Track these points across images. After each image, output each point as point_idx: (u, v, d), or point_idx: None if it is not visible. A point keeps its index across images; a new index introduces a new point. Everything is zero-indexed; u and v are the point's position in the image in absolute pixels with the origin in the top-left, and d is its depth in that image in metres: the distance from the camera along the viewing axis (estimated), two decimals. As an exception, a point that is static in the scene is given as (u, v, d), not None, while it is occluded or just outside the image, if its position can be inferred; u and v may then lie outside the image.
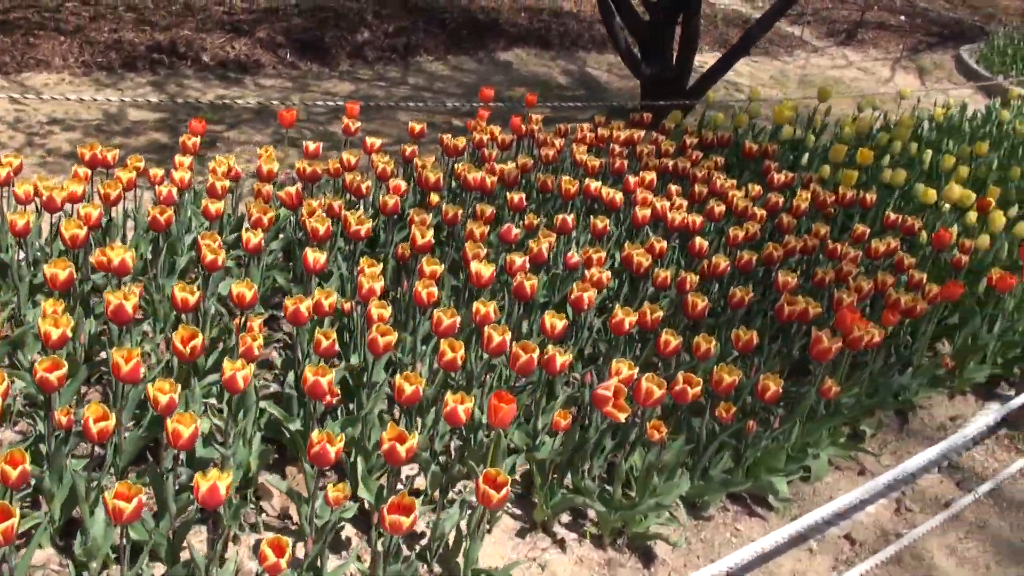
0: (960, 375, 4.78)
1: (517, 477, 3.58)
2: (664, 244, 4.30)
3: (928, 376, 4.54)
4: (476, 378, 3.61)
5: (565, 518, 3.53)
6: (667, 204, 4.63)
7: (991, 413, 4.67)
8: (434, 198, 4.68)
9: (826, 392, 3.71)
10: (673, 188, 4.92)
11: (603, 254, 4.07)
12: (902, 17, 14.67)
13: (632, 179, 4.91)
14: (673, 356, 3.59)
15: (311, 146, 4.85)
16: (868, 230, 4.86)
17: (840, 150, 5.50)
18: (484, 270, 3.69)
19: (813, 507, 3.76)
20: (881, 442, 4.40)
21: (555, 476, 3.45)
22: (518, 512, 3.50)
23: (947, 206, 5.52)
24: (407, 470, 3.46)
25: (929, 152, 6.28)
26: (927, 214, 5.55)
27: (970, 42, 14.76)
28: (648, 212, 4.51)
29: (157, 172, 4.28)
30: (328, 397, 3.38)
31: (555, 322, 3.46)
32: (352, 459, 3.28)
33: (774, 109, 6.01)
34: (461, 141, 5.09)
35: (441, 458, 3.44)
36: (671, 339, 3.50)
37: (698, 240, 4.34)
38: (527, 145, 5.63)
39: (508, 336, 3.28)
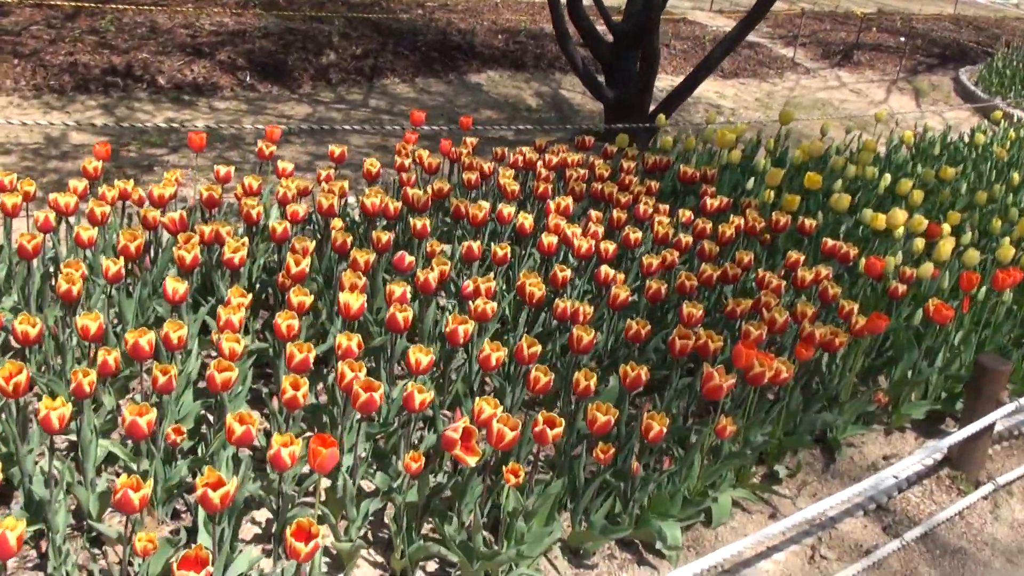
0: (896, 411, 4.50)
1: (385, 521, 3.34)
2: (567, 273, 4.06)
3: (857, 412, 4.27)
4: (342, 417, 3.38)
5: (431, 566, 3.28)
6: (577, 231, 4.39)
7: (923, 452, 4.37)
8: (336, 223, 4.47)
9: (721, 431, 3.45)
10: (593, 214, 4.68)
11: (492, 284, 3.83)
12: (901, 38, 14.37)
13: (552, 204, 4.69)
14: (543, 393, 3.33)
15: (221, 171, 4.67)
16: (801, 258, 4.60)
17: (776, 174, 5.24)
18: (353, 301, 3.47)
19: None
20: (801, 483, 4.12)
21: (417, 522, 3.21)
22: (379, 559, 3.26)
23: (900, 232, 5.25)
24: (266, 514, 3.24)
25: (887, 176, 6.01)
26: (876, 242, 5.27)
27: (972, 63, 14.46)
28: (554, 240, 4.27)
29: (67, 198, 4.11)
30: (174, 437, 3.19)
31: (420, 357, 3.23)
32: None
33: (717, 133, 5.76)
34: (376, 165, 4.90)
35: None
36: (541, 376, 3.25)
37: (604, 269, 4.10)
38: (458, 169, 5.43)
39: (363, 372, 3.06)
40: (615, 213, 4.65)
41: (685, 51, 11.49)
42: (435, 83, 9.19)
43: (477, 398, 3.05)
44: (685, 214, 4.91)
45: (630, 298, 4.01)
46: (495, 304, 3.67)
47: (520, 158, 5.38)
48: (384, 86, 8.95)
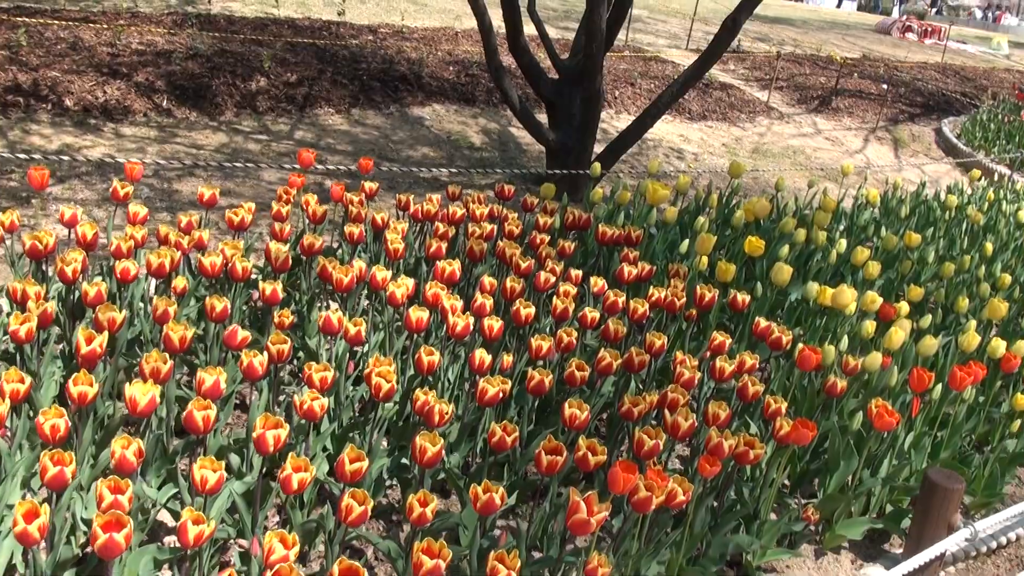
0: (830, 530, 3.79)
1: None
2: (434, 358, 3.36)
3: (781, 532, 3.56)
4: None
5: None
6: (457, 304, 3.69)
7: (863, 583, 3.67)
8: (178, 283, 3.77)
9: (591, 573, 2.74)
10: (486, 282, 3.98)
11: (328, 375, 3.12)
12: (884, 85, 13.78)
13: (443, 266, 4.00)
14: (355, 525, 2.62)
15: (67, 213, 3.99)
16: (727, 342, 3.91)
17: (707, 240, 4.54)
18: (140, 395, 2.76)
19: None
20: (708, 622, 3.40)
21: None
22: None
23: (852, 310, 4.58)
24: None
25: (842, 243, 5.34)
26: (822, 323, 4.60)
27: (956, 115, 13.87)
28: (424, 315, 3.57)
29: None
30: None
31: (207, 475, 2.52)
32: None
33: (649, 187, 5.08)
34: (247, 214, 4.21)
35: None
36: (355, 505, 2.54)
37: (478, 354, 3.40)
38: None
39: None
40: (508, 281, 3.95)
41: (652, 90, 10.86)
42: (372, 115, 8.52)
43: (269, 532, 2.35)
44: (597, 283, 4.23)
45: (503, 392, 3.31)
46: (324, 402, 2.97)
47: (420, 209, 4.70)
48: (316, 116, 8.28)
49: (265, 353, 3.14)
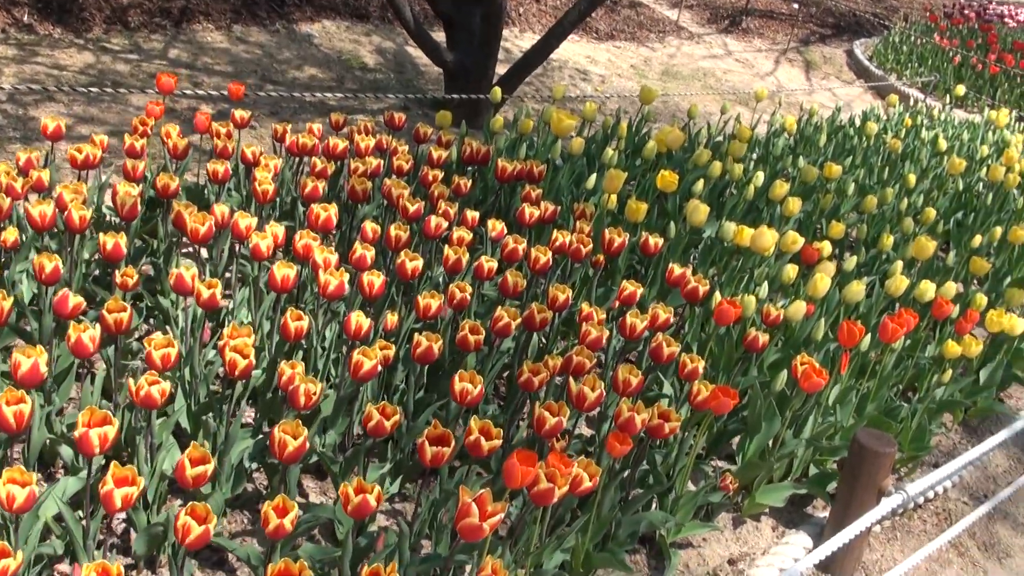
0: (750, 497, 3.46)
1: None
2: (302, 323, 2.88)
3: (697, 505, 3.21)
4: None
5: None
6: (332, 256, 3.21)
7: (786, 550, 3.35)
8: (8, 235, 3.20)
9: (485, 583, 2.33)
10: (369, 229, 3.49)
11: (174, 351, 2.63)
12: (794, 5, 13.43)
13: (318, 211, 3.49)
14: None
15: None
16: (638, 292, 3.51)
17: (616, 177, 4.10)
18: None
19: None
20: (616, 613, 3.05)
21: None
22: None
23: (773, 252, 4.22)
24: None
25: (760, 176, 4.96)
26: (738, 267, 4.23)
27: (867, 36, 13.62)
28: (290, 272, 3.08)
29: None
30: None
31: None
32: None
33: (553, 116, 4.59)
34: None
35: None
36: (193, 526, 2.08)
37: (354, 317, 2.93)
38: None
39: None
40: (393, 229, 3.47)
41: (559, 7, 10.31)
42: (256, 32, 7.83)
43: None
44: (495, 227, 3.77)
45: (385, 361, 2.87)
46: (165, 387, 2.47)
47: (296, 141, 4.17)
48: (193, 33, 7.56)
49: (99, 324, 2.62)
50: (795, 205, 4.55)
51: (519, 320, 3.15)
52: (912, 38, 12.31)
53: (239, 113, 4.36)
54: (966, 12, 14.68)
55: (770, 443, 3.48)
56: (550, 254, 3.52)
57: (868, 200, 5.14)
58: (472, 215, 3.84)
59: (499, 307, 3.14)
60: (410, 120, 6.55)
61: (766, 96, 6.87)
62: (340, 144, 4.22)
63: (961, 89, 8.97)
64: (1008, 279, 5.74)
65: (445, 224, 3.60)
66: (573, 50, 9.49)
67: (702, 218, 4.07)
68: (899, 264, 4.36)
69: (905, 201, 5.43)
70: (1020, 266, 5.84)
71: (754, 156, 6.11)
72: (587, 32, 10.07)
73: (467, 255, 3.41)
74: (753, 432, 3.41)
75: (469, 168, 4.54)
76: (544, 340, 3.67)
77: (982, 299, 4.49)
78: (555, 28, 6.41)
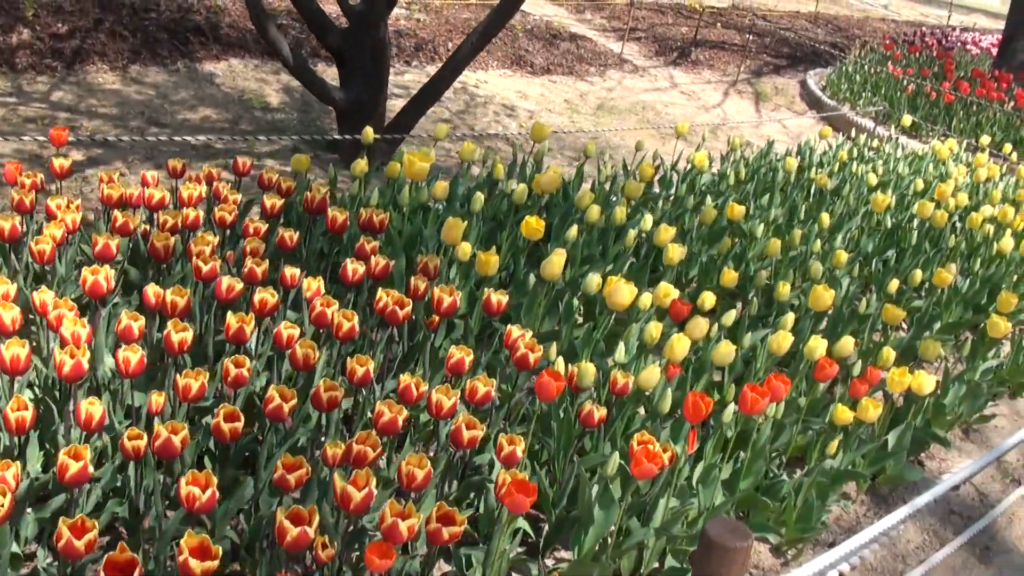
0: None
1: None
2: (24, 415, 2.42)
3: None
4: None
5: None
6: (81, 331, 2.74)
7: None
8: None
9: None
10: (151, 293, 3.03)
11: None
12: (749, 36, 13.07)
13: (86, 275, 3.03)
14: None
15: None
16: (466, 358, 3.04)
17: (454, 227, 3.64)
18: None
19: None
20: None
21: None
22: None
23: (646, 305, 3.77)
24: None
25: (647, 219, 4.51)
26: (602, 324, 3.77)
27: (824, 66, 13.25)
28: (22, 352, 2.61)
29: None
30: None
31: None
32: None
33: (405, 158, 4.14)
34: None
35: None
36: None
37: (84, 405, 2.46)
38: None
39: None
40: (170, 293, 3.01)
41: (491, 44, 9.90)
42: (155, 72, 7.41)
43: None
44: (311, 286, 3.31)
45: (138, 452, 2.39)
46: None
47: (104, 192, 3.72)
48: (85, 74, 7.14)
49: None
50: (676, 252, 4.10)
51: (292, 403, 2.68)
52: (866, 67, 11.93)
53: (59, 162, 3.92)
54: (927, 40, 14.33)
55: (607, 540, 3.01)
56: (356, 319, 3.06)
57: (771, 244, 4.69)
58: (292, 272, 3.39)
59: (272, 387, 2.67)
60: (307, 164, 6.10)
61: (686, 130, 6.45)
62: (157, 195, 3.76)
63: (908, 119, 8.57)
64: (937, 325, 5.30)
65: (237, 286, 3.13)
66: (503, 85, 9.09)
67: (556, 271, 3.60)
68: (789, 318, 3.90)
69: (818, 243, 4.98)
70: (949, 311, 5.39)
71: (667, 197, 5.66)
72: (521, 66, 9.68)
73: (251, 323, 2.94)
74: (586, 523, 2.93)
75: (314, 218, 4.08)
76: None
77: (889, 354, 4.04)
78: (448, 62, 6.00)
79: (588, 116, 8.88)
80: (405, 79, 8.43)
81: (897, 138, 9.01)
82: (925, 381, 3.86)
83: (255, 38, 8.33)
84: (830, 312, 4.68)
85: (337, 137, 5.68)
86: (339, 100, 5.98)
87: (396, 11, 10.12)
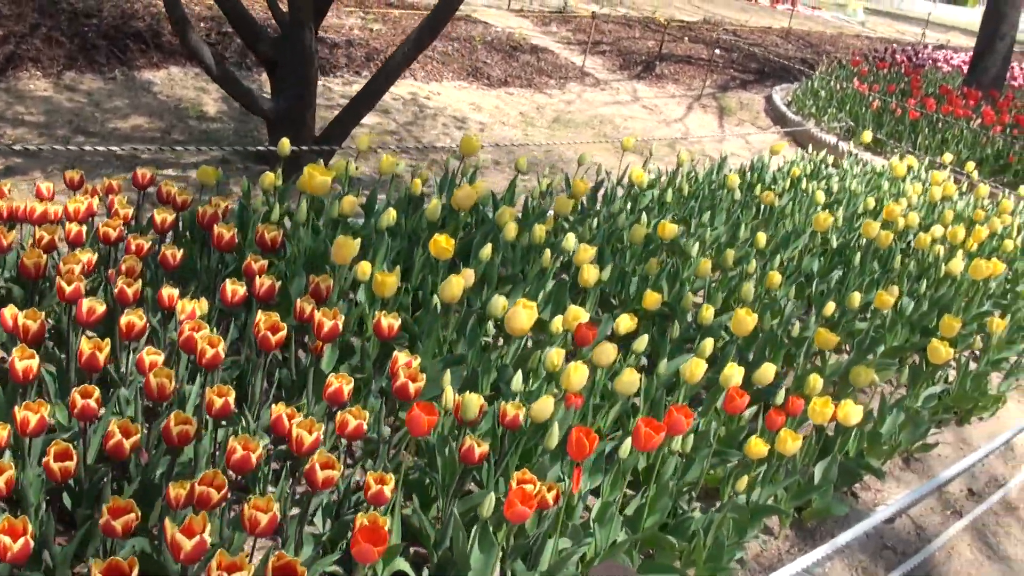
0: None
1: None
2: None
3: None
4: None
5: None
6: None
7: None
8: None
9: None
10: (8, 315, 2.82)
11: None
12: (716, 51, 12.93)
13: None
14: None
15: None
16: (345, 386, 2.83)
17: (344, 245, 3.43)
18: None
19: None
20: None
21: None
22: None
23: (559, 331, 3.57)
24: None
25: (569, 238, 4.31)
26: (509, 351, 3.57)
27: (793, 81, 13.12)
28: None
29: None
30: None
31: None
32: None
33: (307, 171, 3.92)
34: None
35: None
36: None
37: None
38: None
39: None
40: (21, 316, 2.79)
41: (447, 53, 9.73)
42: (91, 79, 7.18)
43: None
44: (185, 308, 3.10)
45: None
46: None
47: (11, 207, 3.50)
48: (17, 81, 6.91)
49: None
50: (591, 273, 3.90)
51: (133, 439, 2.46)
52: (832, 83, 11.80)
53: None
54: (897, 57, 14.23)
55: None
56: (223, 344, 2.84)
57: (702, 264, 4.50)
58: (169, 293, 3.18)
59: (113, 422, 2.45)
60: (233, 174, 5.90)
61: (632, 144, 6.26)
62: (40, 209, 3.55)
63: (868, 135, 8.40)
64: (881, 349, 5.12)
65: (99, 310, 2.92)
66: (457, 96, 8.90)
67: (455, 293, 3.39)
68: (709, 343, 3.71)
69: (753, 263, 4.79)
70: (893, 335, 5.21)
71: (601, 214, 5.47)
72: (478, 78, 9.49)
73: (105, 348, 2.73)
74: (462, 568, 2.72)
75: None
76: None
77: (816, 381, 3.85)
78: (381, 71, 5.80)
79: (543, 129, 8.69)
80: (353, 89, 8.21)
81: (857, 154, 8.86)
82: (851, 411, 3.68)
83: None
84: (764, 335, 4.50)
85: (262, 148, 5.46)
86: (268, 110, 5.77)
87: (351, 20, 9.94)
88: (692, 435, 3.30)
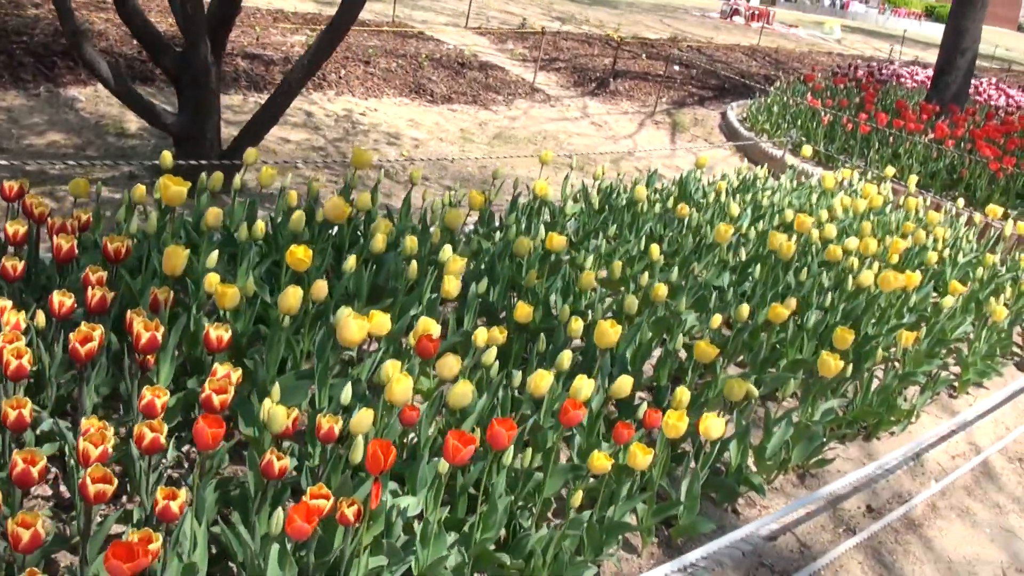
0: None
1: None
2: None
3: None
4: None
5: None
6: None
7: None
8: None
9: None
10: None
11: None
12: (676, 67, 12.92)
13: None
14: None
15: None
16: (158, 399, 2.77)
17: (173, 254, 3.38)
18: None
19: None
20: None
21: None
22: None
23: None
24: None
25: (448, 250, 4.25)
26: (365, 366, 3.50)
27: (751, 98, 13.09)
28: None
29: None
30: None
31: None
32: None
33: (161, 182, 3.87)
34: None
35: None
36: None
37: None
38: None
39: None
40: None
41: (391, 71, 9.70)
42: (13, 96, 7.15)
43: None
44: (15, 319, 3.04)
45: None
46: None
47: None
48: (-62, 98, 6.89)
49: None
50: (452, 285, 3.84)
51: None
52: (786, 99, 11.78)
53: None
54: (859, 72, 14.22)
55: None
56: (28, 354, 2.78)
57: (585, 276, 4.44)
58: (2, 305, 3.12)
59: None
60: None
61: (551, 159, 6.21)
62: None
63: (808, 149, 8.35)
64: (783, 362, 5.06)
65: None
66: (395, 113, 8.87)
67: (292, 304, 3.33)
68: (566, 355, 3.64)
69: (645, 276, 4.73)
70: (795, 347, 5.14)
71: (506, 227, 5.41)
72: (420, 95, 9.46)
73: None
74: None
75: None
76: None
77: (683, 394, 3.78)
78: (280, 87, 5.77)
79: (482, 145, 8.65)
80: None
81: (806, 169, 8.83)
82: (712, 425, 3.62)
83: (129, 63, 8.10)
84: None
85: (151, 163, 5.41)
86: (171, 124, 5.74)
87: (295, 38, 9.92)
88: (534, 451, 3.24)
